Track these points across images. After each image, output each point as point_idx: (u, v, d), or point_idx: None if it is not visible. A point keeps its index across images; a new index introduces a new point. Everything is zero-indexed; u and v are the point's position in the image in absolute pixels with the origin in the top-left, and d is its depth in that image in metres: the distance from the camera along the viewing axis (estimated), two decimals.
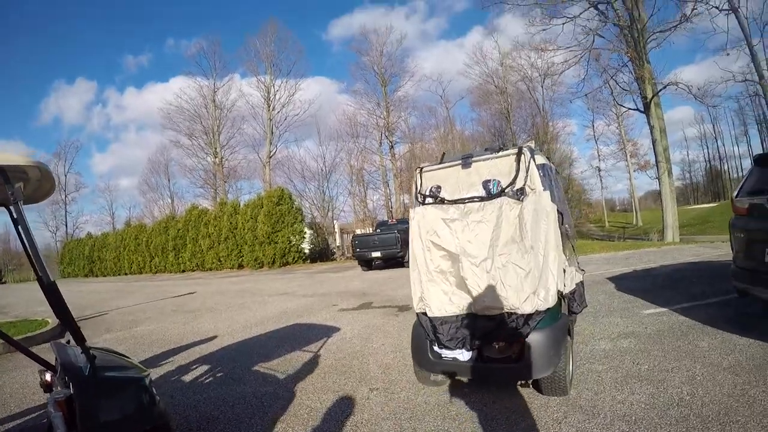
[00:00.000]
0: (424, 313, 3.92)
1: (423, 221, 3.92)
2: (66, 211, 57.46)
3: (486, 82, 42.82)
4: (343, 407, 4.03)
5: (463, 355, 3.81)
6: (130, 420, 2.57)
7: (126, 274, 37.90)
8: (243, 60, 45.34)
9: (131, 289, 20.96)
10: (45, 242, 59.21)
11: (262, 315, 9.46)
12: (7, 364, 6.78)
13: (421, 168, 4.30)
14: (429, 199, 4.09)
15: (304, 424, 3.78)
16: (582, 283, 4.86)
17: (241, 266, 28.84)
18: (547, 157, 4.62)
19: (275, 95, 41.19)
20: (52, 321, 10.03)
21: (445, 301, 3.80)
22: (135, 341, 8.10)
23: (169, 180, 49.66)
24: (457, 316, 3.76)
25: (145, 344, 7.73)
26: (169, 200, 49.11)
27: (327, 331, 7.09)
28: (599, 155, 52.00)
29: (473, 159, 3.99)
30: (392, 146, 39.31)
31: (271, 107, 40.97)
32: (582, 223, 35.43)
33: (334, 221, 33.71)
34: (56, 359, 2.90)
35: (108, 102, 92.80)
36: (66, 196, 56.67)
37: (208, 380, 5.33)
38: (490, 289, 3.54)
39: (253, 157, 42.98)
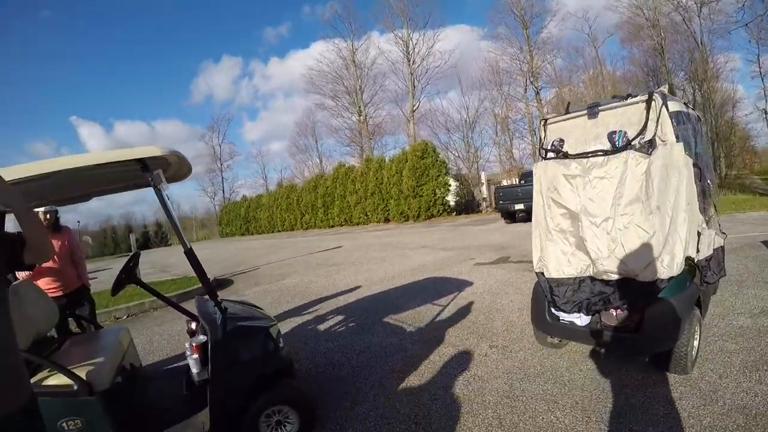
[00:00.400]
0: (542, 273, 3.76)
1: (544, 177, 3.71)
2: (222, 178, 62.41)
3: (636, 15, 37.62)
4: (460, 362, 4.10)
5: (581, 320, 3.61)
6: (254, 362, 2.96)
7: (279, 231, 41.30)
8: (378, 18, 45.58)
9: (282, 245, 22.78)
10: (205, 206, 66.30)
11: (400, 269, 9.77)
12: (165, 316, 7.86)
13: (546, 120, 4.01)
14: (551, 154, 3.83)
15: (419, 376, 3.94)
16: (722, 248, 4.16)
17: (387, 220, 29.86)
18: (688, 102, 4.07)
19: (414, 49, 40.52)
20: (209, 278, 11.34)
21: (563, 262, 3.61)
22: (281, 293, 8.91)
23: (316, 141, 52.08)
24: (574, 278, 3.55)
25: (289, 296, 8.48)
26: (318, 160, 51.64)
27: (459, 286, 7.15)
28: (766, 95, 43.73)
29: (600, 108, 3.60)
30: (537, 92, 36.62)
31: (411, 61, 40.45)
32: (745, 175, 30.43)
33: (481, 172, 32.86)
34: (197, 311, 3.34)
35: (254, 74, 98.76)
36: (222, 164, 61.89)
37: (340, 329, 5.74)
38: (610, 252, 3.27)
39: (396, 112, 43.06)
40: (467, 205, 29.53)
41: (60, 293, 4.55)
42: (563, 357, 3.94)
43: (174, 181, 3.67)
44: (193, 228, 65.51)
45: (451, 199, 28.12)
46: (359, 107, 43.22)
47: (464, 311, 5.74)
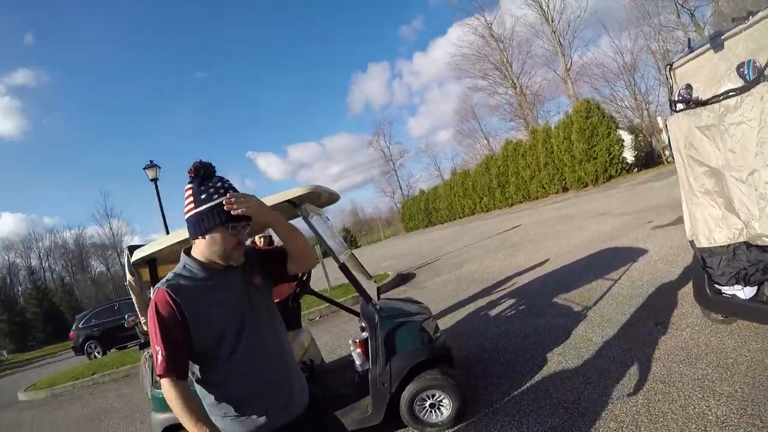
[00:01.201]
0: (693, 243, 3.39)
1: (678, 133, 3.29)
2: (397, 177, 66.18)
3: None
4: (621, 343, 3.94)
5: (744, 293, 3.09)
6: (407, 353, 3.32)
7: (460, 218, 41.85)
8: None
9: (462, 233, 23.18)
10: (387, 206, 70.76)
11: (574, 242, 9.45)
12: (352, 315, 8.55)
13: (671, 65, 3.48)
14: (680, 105, 3.33)
15: (578, 357, 3.91)
16: None
17: (565, 189, 28.51)
18: None
19: (548, 5, 37.98)
20: (392, 274, 12.29)
21: (712, 228, 3.16)
22: (459, 281, 9.26)
23: (479, 123, 51.80)
24: (728, 246, 3.08)
25: (466, 283, 8.79)
26: (485, 141, 51.27)
27: (633, 255, 6.72)
28: None
29: (723, 37, 2.96)
30: (692, 13, 31.26)
31: (549, 19, 37.98)
32: None
33: (656, 117, 29.40)
34: (360, 312, 3.83)
35: (402, 73, 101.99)
36: (394, 164, 65.44)
37: (511, 313, 5.85)
38: (761, 212, 2.76)
39: (551, 75, 40.96)
40: (647, 158, 26.77)
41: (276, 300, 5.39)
42: (732, 335, 3.47)
43: (329, 205, 4.46)
44: (380, 228, 69.67)
45: (628, 156, 25.74)
46: (512, 80, 41.91)
47: (635, 284, 5.41)
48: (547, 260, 8.47)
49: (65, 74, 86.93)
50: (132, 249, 3.89)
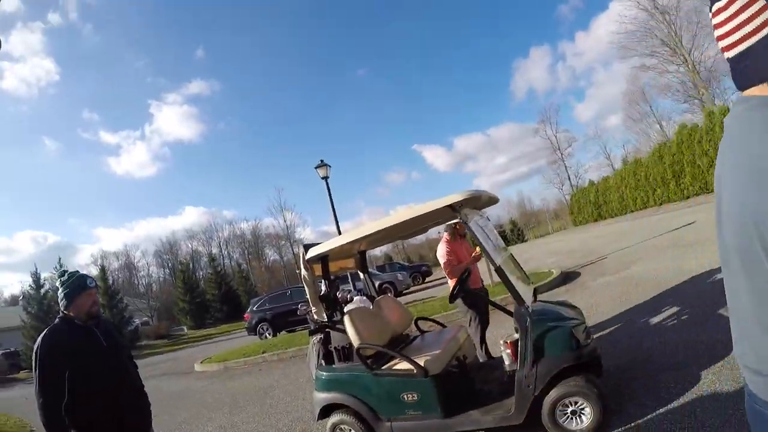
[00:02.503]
0: None
1: None
2: (565, 166, 62.92)
3: None
4: None
5: None
6: (554, 357, 3.38)
7: (632, 211, 38.47)
8: None
9: (633, 228, 21.52)
10: (555, 197, 67.80)
11: None
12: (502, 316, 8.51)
13: None
14: None
15: (734, 379, 3.62)
16: None
17: None
18: None
19: None
20: (556, 272, 11.93)
21: None
22: (624, 284, 8.77)
23: (650, 106, 47.48)
24: None
25: (631, 286, 8.31)
26: (658, 126, 46.95)
27: None
28: None
29: None
30: None
31: None
32: None
33: None
34: (514, 314, 3.95)
35: (566, 55, 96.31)
36: (562, 153, 62.27)
37: (671, 323, 5.50)
38: None
39: None
40: None
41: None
42: None
43: (489, 206, 4.67)
44: (547, 220, 67.24)
45: None
46: (683, 56, 37.42)
47: None
48: (718, 266, 7.61)
49: (233, 82, 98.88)
50: (307, 247, 4.48)
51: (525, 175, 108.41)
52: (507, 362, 3.64)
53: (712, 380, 3.69)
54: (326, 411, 4.11)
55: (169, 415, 8.04)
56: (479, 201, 3.99)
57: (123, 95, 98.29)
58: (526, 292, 3.81)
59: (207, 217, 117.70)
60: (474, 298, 5.23)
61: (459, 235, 5.72)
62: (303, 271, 4.51)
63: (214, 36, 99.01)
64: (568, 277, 11.71)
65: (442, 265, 5.53)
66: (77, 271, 3.09)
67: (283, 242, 69.94)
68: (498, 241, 4.35)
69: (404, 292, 23.85)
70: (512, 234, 59.14)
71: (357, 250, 5.31)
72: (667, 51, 39.28)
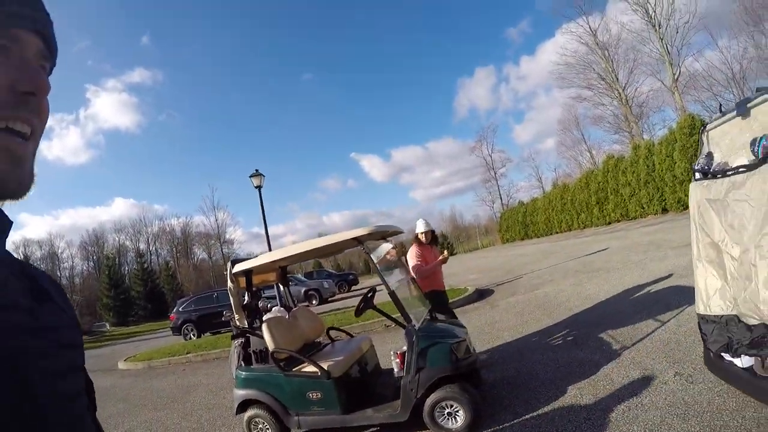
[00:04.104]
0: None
1: (693, 202, 3.51)
2: (498, 186, 65.69)
3: None
4: (636, 386, 4.29)
5: (741, 362, 3.22)
6: (435, 368, 4.06)
7: (556, 232, 40.87)
8: None
9: (553, 250, 22.99)
10: (487, 215, 70.41)
11: (647, 275, 9.43)
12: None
13: (705, 126, 3.57)
14: (698, 174, 3.51)
15: (594, 394, 4.35)
16: None
17: (665, 210, 27.05)
18: None
19: (654, 11, 36.10)
20: (471, 290, 12.92)
21: (711, 296, 3.42)
22: (528, 304, 9.65)
23: (583, 135, 50.41)
24: (720, 316, 3.31)
25: (533, 307, 9.20)
26: (588, 154, 49.78)
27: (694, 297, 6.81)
28: None
29: (751, 104, 2.94)
30: None
31: (657, 25, 36.13)
32: None
33: None
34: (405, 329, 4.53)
35: (509, 77, 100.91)
36: (495, 173, 64.99)
37: (557, 342, 6.30)
38: (748, 291, 2.91)
39: (658, 86, 38.89)
40: None
41: (424, 291, 6.00)
42: (736, 398, 3.58)
43: (394, 236, 5.39)
44: (477, 236, 69.38)
45: None
46: (618, 90, 40.35)
47: (678, 330, 5.58)
48: (612, 292, 8.67)
49: (178, 75, 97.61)
50: (234, 262, 5.13)
51: (460, 190, 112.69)
52: (396, 370, 4.34)
53: (575, 394, 4.42)
54: (243, 406, 4.69)
55: None
56: (385, 233, 4.71)
57: (60, 75, 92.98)
58: (417, 312, 4.53)
59: (137, 210, 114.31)
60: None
61: (427, 242, 6.30)
62: (229, 283, 5.09)
63: (161, 23, 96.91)
64: (482, 294, 12.60)
65: (410, 269, 6.04)
66: None
67: (213, 242, 69.18)
68: (399, 268, 5.08)
69: (329, 299, 24.40)
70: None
71: (278, 266, 5.88)
72: (603, 85, 42.13)
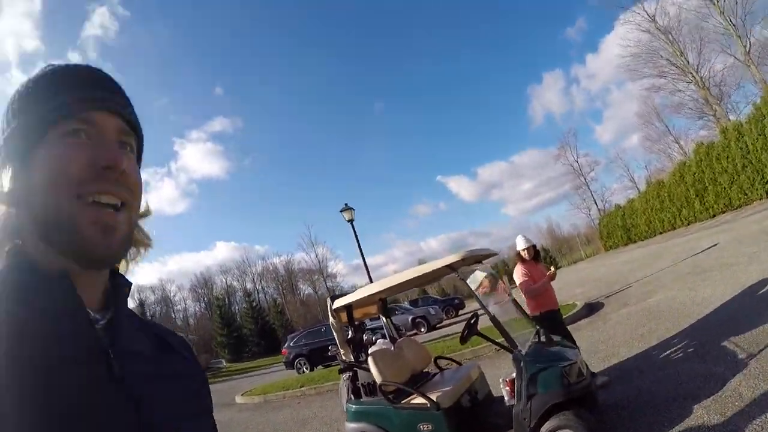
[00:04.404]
0: None
1: None
2: (590, 191, 62.57)
3: None
4: (762, 406, 3.90)
5: None
6: (547, 394, 3.89)
7: (660, 233, 38.27)
8: None
9: (659, 252, 21.55)
10: (585, 222, 67.60)
11: (764, 268, 8.70)
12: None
13: None
14: None
15: (722, 413, 3.99)
16: None
17: None
18: None
19: None
20: (580, 304, 12.43)
21: None
22: (641, 315, 9.11)
23: (666, 125, 47.44)
24: None
25: (647, 318, 8.66)
26: (676, 145, 46.82)
27: None
28: None
29: None
30: None
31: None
32: None
33: None
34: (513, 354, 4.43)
35: (578, 78, 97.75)
36: (585, 178, 62.29)
37: (677, 356, 5.89)
38: None
39: (731, 62, 35.74)
40: None
41: (537, 312, 5.94)
42: None
43: (488, 258, 5.20)
44: (579, 246, 66.64)
45: None
46: (691, 74, 37.55)
47: None
48: (731, 293, 8.01)
49: (256, 119, 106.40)
50: (333, 298, 5.32)
51: (552, 200, 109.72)
52: (506, 398, 4.24)
53: (702, 414, 4.08)
54: None
55: None
56: (478, 257, 4.66)
57: (147, 132, 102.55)
58: (523, 335, 4.46)
59: (239, 252, 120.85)
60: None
61: (530, 258, 6.14)
62: (331, 319, 5.30)
63: (227, 75, 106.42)
64: (592, 309, 12.02)
65: (518, 286, 5.96)
66: None
67: (316, 276, 71.60)
68: (499, 290, 5.02)
69: (437, 326, 24.00)
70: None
71: (378, 299, 5.98)
72: (675, 70, 39.64)
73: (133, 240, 0.76)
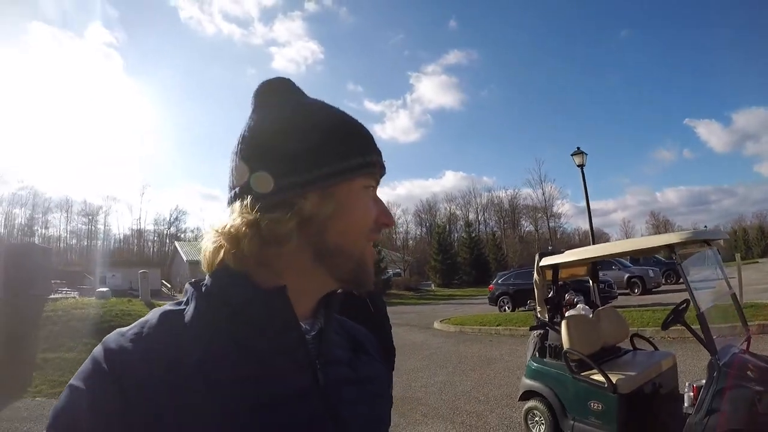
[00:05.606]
0: None
1: None
2: None
3: None
4: None
5: None
6: (732, 417, 3.38)
7: None
8: None
9: None
10: None
11: None
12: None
13: None
14: None
15: None
16: None
17: None
18: None
19: None
20: None
21: None
22: None
23: None
24: None
25: None
26: None
27: None
28: None
29: None
30: None
31: None
32: None
33: None
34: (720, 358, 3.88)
35: None
36: None
37: None
38: None
39: None
40: None
41: None
42: None
43: (718, 240, 4.57)
44: None
45: None
46: None
47: None
48: None
49: (491, 51, 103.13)
50: (542, 255, 5.38)
51: None
52: (686, 403, 3.89)
53: None
54: (527, 395, 5.03)
55: (401, 361, 9.56)
56: (705, 239, 4.18)
57: (383, 68, 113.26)
58: (730, 341, 3.95)
59: (466, 182, 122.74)
60: None
61: None
62: (535, 275, 5.40)
63: (462, 7, 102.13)
64: None
65: None
66: None
67: (540, 215, 70.13)
68: (719, 281, 4.43)
69: (653, 290, 21.76)
70: None
71: (588, 262, 5.76)
72: None
73: None
